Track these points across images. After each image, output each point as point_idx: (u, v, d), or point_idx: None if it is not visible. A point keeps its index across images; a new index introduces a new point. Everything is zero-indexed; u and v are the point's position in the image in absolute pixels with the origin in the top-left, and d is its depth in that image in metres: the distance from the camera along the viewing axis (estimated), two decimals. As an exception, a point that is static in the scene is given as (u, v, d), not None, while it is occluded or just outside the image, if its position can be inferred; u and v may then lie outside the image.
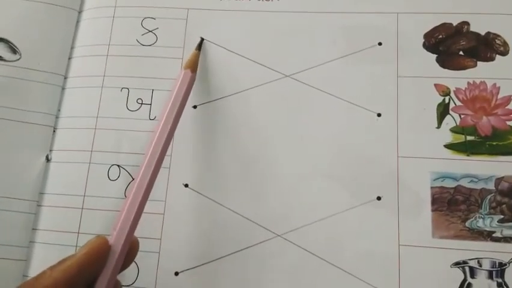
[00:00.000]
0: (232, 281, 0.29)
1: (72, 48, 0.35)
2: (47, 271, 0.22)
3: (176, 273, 0.29)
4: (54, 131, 0.33)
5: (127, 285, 0.29)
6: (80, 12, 0.35)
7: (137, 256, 0.30)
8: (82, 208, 0.31)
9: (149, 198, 0.31)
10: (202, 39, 0.32)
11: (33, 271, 0.30)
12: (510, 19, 0.32)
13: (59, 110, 0.33)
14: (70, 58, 0.34)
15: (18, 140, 0.32)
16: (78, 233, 0.30)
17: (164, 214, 0.30)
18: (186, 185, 0.31)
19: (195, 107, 0.32)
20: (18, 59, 0.33)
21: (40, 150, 0.32)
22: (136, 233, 0.31)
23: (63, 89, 0.34)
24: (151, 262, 0.29)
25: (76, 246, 0.30)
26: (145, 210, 0.30)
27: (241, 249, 0.29)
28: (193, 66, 0.29)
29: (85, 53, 0.34)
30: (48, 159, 0.32)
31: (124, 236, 0.24)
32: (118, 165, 0.32)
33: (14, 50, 0.33)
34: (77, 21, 0.35)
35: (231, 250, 0.29)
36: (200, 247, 0.30)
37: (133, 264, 0.30)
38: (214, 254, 0.29)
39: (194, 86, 0.33)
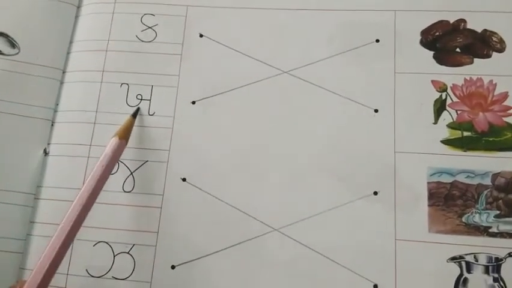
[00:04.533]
0: (229, 274, 0.29)
1: (71, 42, 0.35)
2: None
3: (173, 267, 0.29)
4: (52, 124, 0.33)
5: (123, 279, 0.29)
6: (79, 7, 0.36)
7: (133, 249, 0.30)
8: (80, 202, 0.31)
9: (147, 192, 0.31)
10: (138, 109, 0.32)
11: (31, 264, 0.30)
12: (506, 17, 0.32)
13: (57, 104, 0.33)
14: (68, 53, 0.35)
15: (17, 133, 0.32)
16: (76, 226, 0.31)
17: (161, 208, 0.31)
18: (184, 179, 0.31)
19: (193, 102, 0.33)
20: (17, 53, 0.33)
21: (38, 144, 0.32)
22: (134, 227, 0.32)
23: (61, 83, 0.34)
24: (148, 255, 0.30)
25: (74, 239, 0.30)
26: (142, 204, 0.31)
27: (238, 243, 0.29)
28: (123, 134, 0.29)
29: (83, 48, 0.34)
30: (46, 153, 0.32)
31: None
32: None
33: (13, 44, 0.34)
34: (76, 16, 0.35)
35: (228, 244, 0.29)
36: (197, 241, 0.30)
37: (129, 258, 0.30)
38: (211, 248, 0.29)
39: (194, 81, 0.33)
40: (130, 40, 0.34)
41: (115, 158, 0.28)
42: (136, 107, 0.29)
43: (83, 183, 0.31)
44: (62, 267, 0.30)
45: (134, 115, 0.31)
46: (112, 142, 0.28)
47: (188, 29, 0.34)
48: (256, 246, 0.29)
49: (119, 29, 0.34)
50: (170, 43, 0.34)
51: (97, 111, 0.33)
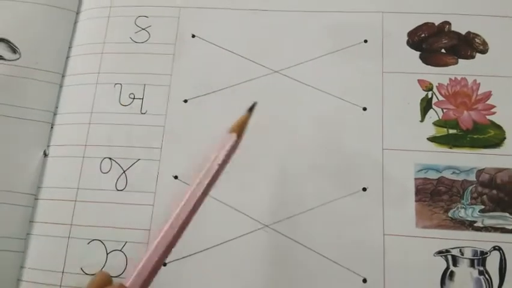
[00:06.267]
0: (220, 270, 0.29)
1: (70, 47, 0.35)
2: None
3: (165, 264, 0.30)
4: (52, 127, 0.34)
5: (115, 276, 0.29)
6: (78, 13, 0.36)
7: (125, 247, 0.30)
8: (75, 200, 0.31)
9: (139, 190, 0.31)
10: (255, 104, 0.26)
11: (31, 262, 0.30)
12: (489, 20, 0.33)
13: (56, 107, 0.34)
14: (67, 57, 0.35)
15: (18, 136, 0.33)
16: (71, 224, 0.31)
17: (153, 205, 0.31)
18: (176, 177, 0.31)
19: (185, 101, 0.33)
20: (18, 59, 0.34)
21: (38, 146, 0.33)
22: (126, 225, 0.32)
23: (60, 86, 0.35)
24: (140, 253, 0.30)
25: (69, 237, 0.31)
26: (134, 202, 0.31)
27: (229, 240, 0.30)
28: (238, 130, 0.25)
29: (81, 52, 0.35)
30: (45, 154, 0.33)
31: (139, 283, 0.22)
32: (110, 158, 0.32)
33: (14, 49, 0.34)
34: (75, 22, 0.36)
35: (219, 241, 0.30)
36: (188, 238, 0.30)
37: (121, 255, 0.30)
38: (202, 244, 0.30)
39: (186, 80, 0.34)
40: (124, 42, 0.35)
41: (230, 155, 0.25)
42: (252, 104, 0.26)
43: (78, 183, 0.32)
44: (57, 265, 0.30)
45: (251, 110, 0.27)
46: (228, 138, 0.25)
47: (181, 29, 0.35)
48: (247, 243, 0.30)
49: (114, 32, 0.35)
50: (163, 43, 0.34)
51: (91, 112, 0.33)
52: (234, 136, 0.25)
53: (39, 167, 0.32)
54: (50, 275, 0.30)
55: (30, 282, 0.30)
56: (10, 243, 0.31)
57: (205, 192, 0.24)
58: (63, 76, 0.35)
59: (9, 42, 0.34)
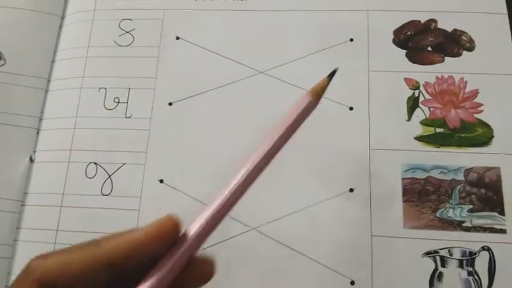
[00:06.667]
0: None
1: (55, 52, 0.35)
2: (111, 237, 0.19)
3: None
4: (38, 132, 0.33)
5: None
6: (63, 17, 0.36)
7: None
8: (61, 206, 0.31)
9: (124, 195, 0.31)
10: (336, 70, 0.24)
11: (18, 269, 0.30)
12: (476, 17, 0.33)
13: (42, 112, 0.34)
14: (53, 61, 0.35)
15: (4, 142, 0.32)
16: (57, 230, 0.31)
17: (139, 210, 0.31)
18: (161, 181, 0.31)
19: (170, 104, 0.33)
20: (3, 65, 0.34)
21: (24, 152, 0.33)
22: (111, 229, 0.31)
23: (46, 91, 0.34)
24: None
25: (55, 243, 0.30)
26: (119, 207, 0.31)
27: (217, 243, 0.29)
28: (317, 92, 0.23)
29: (66, 56, 0.35)
30: (32, 160, 0.33)
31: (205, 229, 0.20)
32: (95, 163, 0.32)
33: (-2, 55, 0.34)
34: (60, 27, 0.36)
35: (206, 244, 0.29)
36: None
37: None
38: (189, 249, 0.29)
39: (171, 83, 0.33)
40: (108, 46, 0.35)
41: (304, 117, 0.23)
42: (333, 69, 0.23)
43: (63, 188, 0.31)
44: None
45: (331, 75, 0.24)
46: (304, 99, 0.23)
47: (165, 32, 0.34)
48: (235, 246, 0.29)
49: (98, 36, 0.35)
50: (147, 46, 0.34)
51: (76, 117, 0.33)
52: (310, 97, 0.23)
53: (25, 173, 0.32)
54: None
55: None
56: (-4, 250, 0.30)
57: (275, 151, 0.22)
58: (48, 81, 0.34)
59: (-6, 48, 0.34)
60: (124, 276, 0.18)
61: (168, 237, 0.18)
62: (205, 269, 0.20)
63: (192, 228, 0.19)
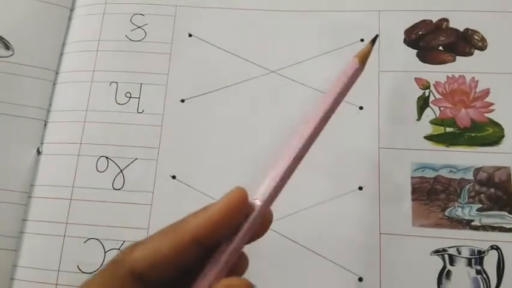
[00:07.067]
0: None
1: (64, 44, 0.35)
2: (191, 218, 0.19)
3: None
4: (45, 124, 0.33)
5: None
6: (72, 9, 0.36)
7: (124, 246, 0.30)
8: (71, 199, 0.31)
9: (137, 189, 0.31)
10: (377, 36, 0.25)
11: (24, 261, 0.31)
12: (488, 16, 0.33)
13: (50, 105, 0.34)
14: (61, 54, 0.35)
15: (11, 133, 0.33)
16: (66, 223, 0.31)
17: (151, 205, 0.31)
18: (174, 177, 0.31)
19: (182, 101, 0.33)
20: (11, 55, 0.34)
21: (31, 144, 0.33)
22: (124, 224, 0.32)
23: (54, 84, 0.34)
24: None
25: (64, 236, 0.31)
26: (132, 201, 0.31)
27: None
28: (363, 59, 0.24)
29: (75, 49, 0.35)
30: (39, 152, 0.33)
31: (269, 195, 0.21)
32: (106, 157, 0.32)
33: (7, 46, 0.34)
34: (69, 19, 0.36)
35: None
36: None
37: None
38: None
39: (183, 80, 0.33)
40: (120, 40, 0.35)
41: (352, 81, 0.24)
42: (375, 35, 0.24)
43: (73, 181, 0.32)
44: (53, 264, 0.30)
45: (373, 41, 0.25)
46: (352, 64, 0.24)
47: (178, 28, 0.35)
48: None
49: (110, 29, 0.35)
50: (159, 42, 0.34)
51: (87, 110, 0.33)
52: (357, 62, 0.24)
53: (32, 165, 0.32)
54: (44, 273, 0.30)
55: (23, 280, 0.30)
56: (2, 241, 0.31)
57: (325, 116, 0.23)
58: (57, 73, 0.35)
59: (3, 38, 0.34)
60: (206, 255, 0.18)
61: (242, 208, 0.20)
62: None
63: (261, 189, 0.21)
